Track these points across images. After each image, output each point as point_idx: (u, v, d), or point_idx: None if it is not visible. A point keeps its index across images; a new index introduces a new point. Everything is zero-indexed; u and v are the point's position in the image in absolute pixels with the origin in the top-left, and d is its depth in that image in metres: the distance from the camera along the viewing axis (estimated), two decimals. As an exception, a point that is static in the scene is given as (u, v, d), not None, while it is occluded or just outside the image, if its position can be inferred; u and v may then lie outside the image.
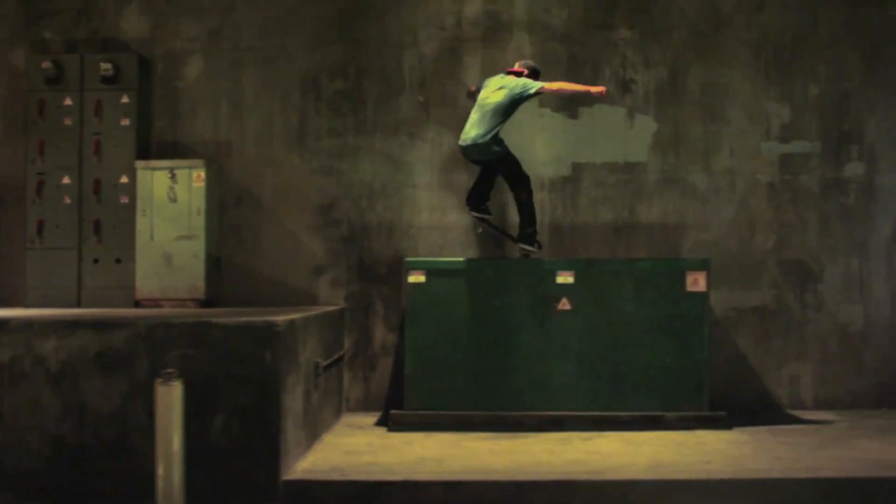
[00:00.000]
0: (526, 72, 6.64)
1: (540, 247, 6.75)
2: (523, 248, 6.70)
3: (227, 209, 7.28)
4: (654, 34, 7.31)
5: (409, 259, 6.66)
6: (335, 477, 5.11)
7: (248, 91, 7.31)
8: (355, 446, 5.93)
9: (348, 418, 6.98)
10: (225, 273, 7.27)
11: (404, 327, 6.61)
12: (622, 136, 7.28)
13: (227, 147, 7.30)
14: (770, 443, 5.98)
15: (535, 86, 6.46)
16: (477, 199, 6.74)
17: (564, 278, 6.51)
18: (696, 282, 6.50)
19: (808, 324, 7.29)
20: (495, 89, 6.53)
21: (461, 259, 6.84)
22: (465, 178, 7.27)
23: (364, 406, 7.22)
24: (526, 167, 7.18)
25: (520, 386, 6.48)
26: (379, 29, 7.30)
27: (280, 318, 5.15)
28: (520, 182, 6.64)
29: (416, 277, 6.50)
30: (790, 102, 7.32)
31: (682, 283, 6.49)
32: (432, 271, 6.52)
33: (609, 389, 6.48)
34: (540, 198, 7.24)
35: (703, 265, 6.53)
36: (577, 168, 7.29)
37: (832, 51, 7.34)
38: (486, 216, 6.79)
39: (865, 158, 7.33)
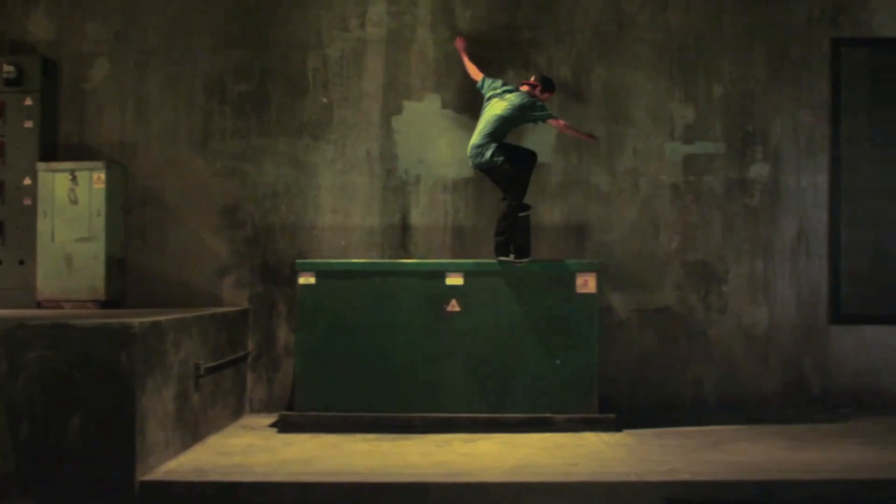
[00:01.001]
0: (539, 86, 6.69)
1: (519, 257, 6.53)
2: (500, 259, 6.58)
3: (132, 210, 7.31)
4: (557, 35, 7.30)
5: (299, 261, 6.67)
6: (193, 478, 5.13)
7: (153, 93, 7.33)
8: (235, 447, 5.94)
9: (249, 419, 7.00)
10: (130, 274, 7.29)
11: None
12: (526, 136, 7.26)
13: (133, 149, 7.32)
14: (650, 445, 5.96)
15: (542, 114, 6.62)
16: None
17: (454, 280, 6.50)
18: (586, 283, 6.48)
19: (713, 325, 7.26)
20: (502, 100, 6.62)
21: (351, 261, 6.86)
22: (367, 180, 7.29)
23: (268, 407, 7.23)
24: (428, 168, 7.28)
25: (409, 387, 6.48)
26: (283, 31, 7.31)
27: (139, 319, 5.17)
28: (509, 193, 6.59)
29: (306, 279, 6.52)
30: (694, 103, 7.29)
31: (572, 284, 6.48)
32: (322, 273, 6.53)
33: (498, 391, 6.47)
34: (443, 199, 7.28)
35: (592, 267, 6.52)
36: (479, 169, 7.28)
37: (737, 51, 7.31)
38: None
39: (770, 159, 7.29)
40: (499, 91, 6.71)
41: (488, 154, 6.51)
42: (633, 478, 5.06)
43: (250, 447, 5.96)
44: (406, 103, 7.28)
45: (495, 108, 6.62)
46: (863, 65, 7.34)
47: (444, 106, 7.27)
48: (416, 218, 7.26)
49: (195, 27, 7.33)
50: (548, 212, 7.27)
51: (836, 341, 7.28)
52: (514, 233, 6.56)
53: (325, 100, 7.30)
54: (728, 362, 7.26)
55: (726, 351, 7.26)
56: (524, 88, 6.70)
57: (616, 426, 6.41)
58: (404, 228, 7.26)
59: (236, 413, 6.96)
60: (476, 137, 6.60)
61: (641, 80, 7.30)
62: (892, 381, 7.29)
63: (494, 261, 6.56)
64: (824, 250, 7.29)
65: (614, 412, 6.81)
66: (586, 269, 6.51)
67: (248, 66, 7.31)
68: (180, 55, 7.33)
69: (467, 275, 6.50)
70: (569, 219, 7.26)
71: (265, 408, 7.24)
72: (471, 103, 7.26)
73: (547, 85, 6.79)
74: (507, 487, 4.99)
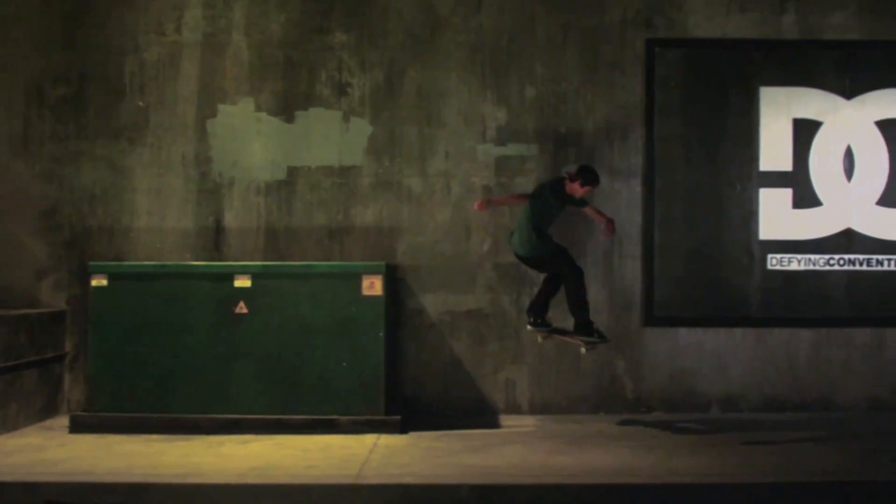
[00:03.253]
0: (579, 180, 6.51)
1: (602, 336, 6.52)
2: (584, 341, 6.51)
3: (-46, 214, 7.42)
4: (370, 37, 7.31)
5: (91, 263, 6.73)
6: (-73, 477, 5.21)
7: (-26, 97, 7.43)
8: (8, 448, 5.99)
9: (58, 420, 7.01)
10: (-48, 276, 7.40)
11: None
12: (338, 139, 7.29)
13: (-45, 152, 7.43)
14: (418, 448, 5.96)
15: (543, 199, 6.54)
16: (536, 309, 6.70)
17: (242, 282, 6.54)
18: (372, 285, 6.50)
19: (524, 327, 7.23)
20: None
21: (142, 263, 6.94)
22: (182, 183, 7.34)
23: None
24: (242, 171, 7.32)
25: (200, 388, 6.51)
26: (101, 35, 7.37)
27: None
28: (563, 271, 6.54)
29: (99, 281, 6.58)
30: (507, 104, 7.29)
31: (359, 286, 6.50)
32: (115, 275, 6.59)
33: (286, 393, 6.50)
34: (256, 202, 7.32)
35: (378, 269, 6.53)
36: (292, 172, 7.30)
37: (550, 52, 7.29)
38: (544, 329, 6.68)
39: (583, 161, 7.23)
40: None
41: (529, 244, 6.50)
42: (349, 480, 5.07)
43: (26, 447, 6.02)
44: (221, 107, 7.33)
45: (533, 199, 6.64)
46: (677, 65, 7.29)
47: (258, 109, 7.31)
48: (230, 220, 7.31)
49: (15, 32, 7.39)
50: (360, 214, 7.29)
51: (649, 344, 7.25)
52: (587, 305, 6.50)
53: (141, 103, 7.36)
54: (540, 365, 7.24)
55: (539, 353, 7.24)
56: (567, 181, 6.56)
57: (401, 428, 6.42)
58: (218, 231, 7.31)
59: (44, 414, 7.00)
60: (515, 229, 6.65)
61: (454, 81, 7.30)
62: (706, 383, 7.25)
63: (282, 263, 6.59)
64: (638, 252, 7.26)
65: (425, 414, 6.89)
66: (373, 271, 6.52)
67: (66, 71, 7.37)
68: (1, 60, 7.41)
69: (255, 277, 6.53)
70: (380, 221, 7.27)
71: (83, 408, 7.28)
72: (284, 106, 7.31)
73: (585, 177, 6.51)
74: (227, 489, 5.02)
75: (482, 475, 5.19)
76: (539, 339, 6.84)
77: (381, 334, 6.49)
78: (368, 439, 6.22)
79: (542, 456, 5.69)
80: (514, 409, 7.22)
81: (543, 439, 6.23)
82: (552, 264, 6.60)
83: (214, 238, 7.31)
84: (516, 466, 5.41)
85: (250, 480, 5.10)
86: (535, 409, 7.21)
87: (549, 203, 6.52)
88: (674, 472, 5.23)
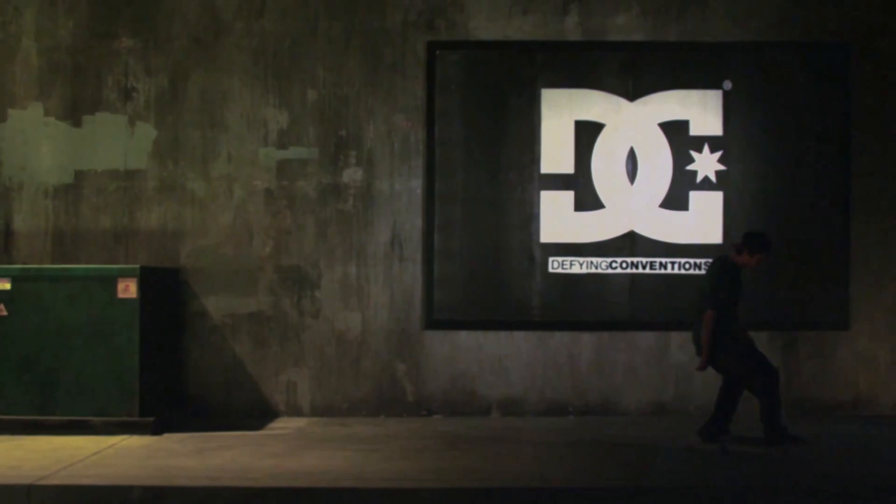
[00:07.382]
0: (747, 251, 6.03)
1: (782, 444, 5.84)
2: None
3: None
4: (156, 42, 7.37)
5: None
6: None
7: None
8: None
9: None
10: None
11: None
12: (123, 143, 7.36)
13: None
14: (149, 450, 5.99)
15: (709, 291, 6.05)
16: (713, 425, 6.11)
17: (1, 285, 6.63)
18: (127, 288, 6.56)
19: (306, 330, 7.28)
20: None
21: None
22: (-22, 187, 7.46)
23: None
24: (31, 175, 7.42)
25: (-39, 390, 6.64)
26: None
27: None
28: (739, 377, 6.02)
29: None
30: (289, 108, 7.32)
31: (114, 289, 6.56)
32: None
33: (44, 394, 6.57)
34: (44, 205, 7.41)
35: (133, 272, 6.59)
36: (79, 175, 7.38)
37: (333, 56, 7.31)
38: (725, 446, 5.90)
39: (363, 164, 7.28)
40: None
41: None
42: (29, 481, 5.09)
43: None
44: (10, 111, 7.42)
45: None
46: (458, 68, 7.28)
47: (47, 114, 7.39)
48: (20, 223, 7.40)
49: None
50: (144, 217, 7.35)
51: (430, 347, 7.25)
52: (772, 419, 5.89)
53: (-65, 110, 7.48)
54: (321, 367, 7.27)
55: (319, 356, 7.27)
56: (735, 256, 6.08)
57: (154, 430, 6.48)
58: (7, 234, 7.40)
59: None
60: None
61: (237, 85, 7.34)
62: (486, 386, 7.24)
63: (40, 266, 6.69)
64: (418, 255, 7.27)
65: (206, 416, 6.95)
66: (127, 274, 6.58)
67: None
68: None
69: (14, 280, 6.61)
70: (164, 224, 7.33)
71: None
72: (72, 111, 7.39)
73: (751, 244, 5.99)
74: None
75: (168, 477, 5.21)
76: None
77: (136, 337, 6.54)
78: (110, 441, 6.27)
79: (255, 459, 5.69)
80: (296, 412, 7.25)
81: (283, 442, 6.25)
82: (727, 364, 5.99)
83: (4, 241, 7.40)
84: (217, 468, 5.42)
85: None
86: (316, 412, 7.24)
87: (729, 287, 5.97)
88: (359, 477, 5.23)
